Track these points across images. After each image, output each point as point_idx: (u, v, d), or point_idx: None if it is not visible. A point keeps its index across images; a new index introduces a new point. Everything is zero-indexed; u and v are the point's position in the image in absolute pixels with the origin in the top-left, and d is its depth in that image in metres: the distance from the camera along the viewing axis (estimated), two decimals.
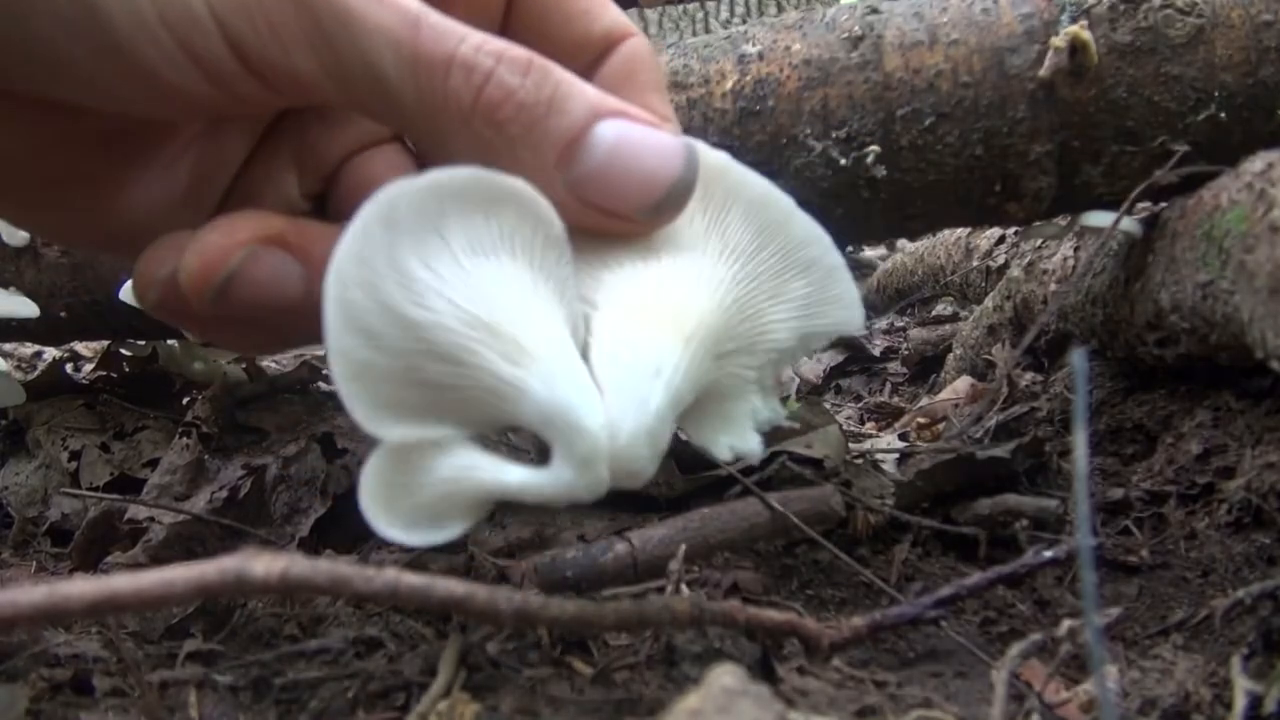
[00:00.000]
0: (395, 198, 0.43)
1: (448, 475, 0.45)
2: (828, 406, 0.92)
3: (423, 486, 0.45)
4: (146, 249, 0.49)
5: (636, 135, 0.45)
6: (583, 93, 0.45)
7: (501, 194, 0.44)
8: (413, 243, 0.43)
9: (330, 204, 0.55)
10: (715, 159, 0.50)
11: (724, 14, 3.26)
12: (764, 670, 0.56)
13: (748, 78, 0.73)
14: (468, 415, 0.45)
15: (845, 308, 0.51)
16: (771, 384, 0.51)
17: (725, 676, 0.38)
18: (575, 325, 0.46)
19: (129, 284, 0.77)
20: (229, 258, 0.46)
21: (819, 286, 0.51)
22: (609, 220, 0.46)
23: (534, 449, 0.85)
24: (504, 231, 0.45)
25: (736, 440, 0.50)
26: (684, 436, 0.50)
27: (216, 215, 0.52)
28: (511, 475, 0.44)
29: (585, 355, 0.45)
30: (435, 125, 0.45)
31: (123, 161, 0.50)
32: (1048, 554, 0.65)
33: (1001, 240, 1.31)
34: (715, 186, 0.50)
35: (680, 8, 3.30)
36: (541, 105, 0.44)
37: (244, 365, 1.03)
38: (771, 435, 0.82)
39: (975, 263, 1.37)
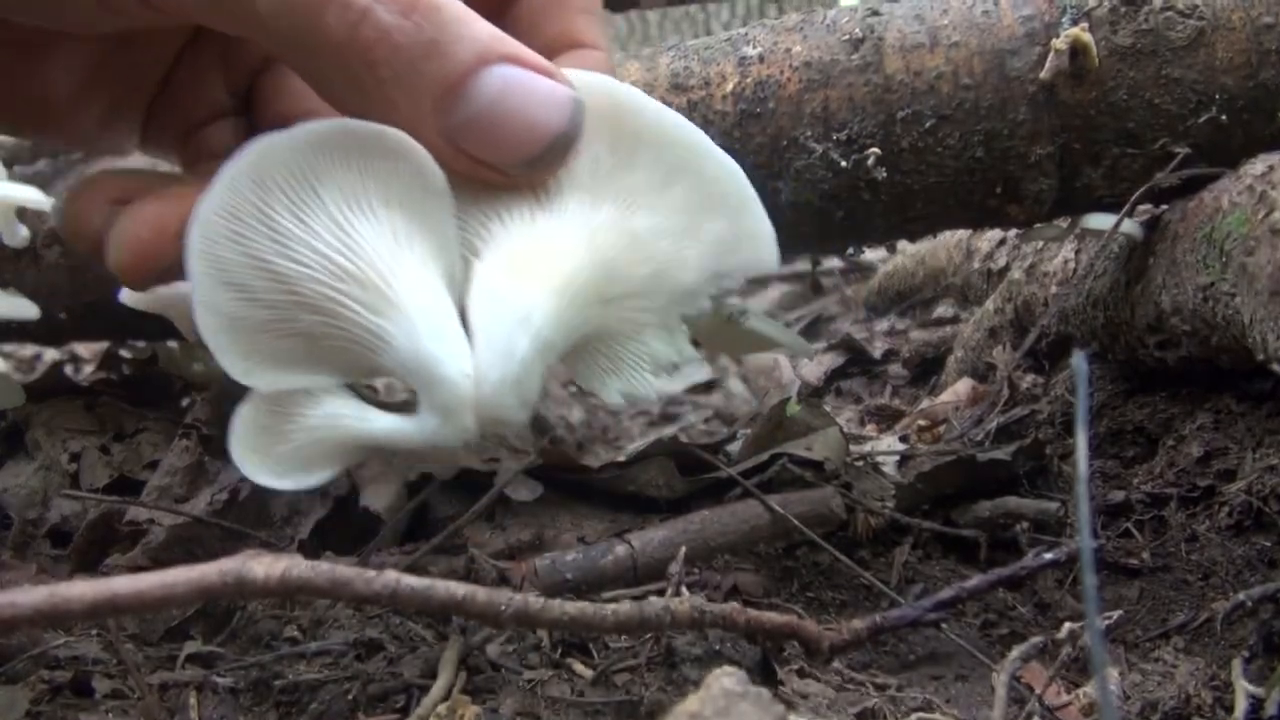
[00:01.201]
0: (265, 152, 0.43)
1: (318, 423, 0.46)
2: (828, 409, 0.91)
3: (294, 433, 0.46)
4: (70, 194, 0.50)
5: (523, 85, 0.44)
6: (472, 36, 0.43)
7: (376, 146, 0.45)
8: (284, 196, 0.44)
9: (254, 103, 0.55)
10: (627, 97, 0.49)
11: (724, 16, 3.26)
12: (764, 673, 0.56)
13: (748, 80, 0.73)
14: (338, 364, 0.46)
15: (759, 244, 0.50)
16: (677, 324, 0.50)
17: (725, 679, 0.38)
18: (455, 276, 0.46)
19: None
20: (162, 253, 0.46)
21: (733, 223, 0.50)
22: (484, 171, 0.45)
23: (532, 446, 0.85)
24: (379, 183, 0.45)
25: (628, 384, 0.50)
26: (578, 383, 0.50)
27: (150, 112, 0.55)
28: (379, 422, 0.45)
29: (463, 306, 0.45)
30: (313, 62, 0.44)
31: (47, 63, 0.50)
32: (1048, 556, 0.65)
33: (1002, 242, 1.31)
34: (625, 125, 0.49)
35: (681, 9, 3.30)
36: (420, 47, 0.42)
37: None
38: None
39: (976, 265, 1.37)
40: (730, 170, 0.50)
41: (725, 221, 0.50)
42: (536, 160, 0.45)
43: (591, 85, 0.48)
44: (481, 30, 0.44)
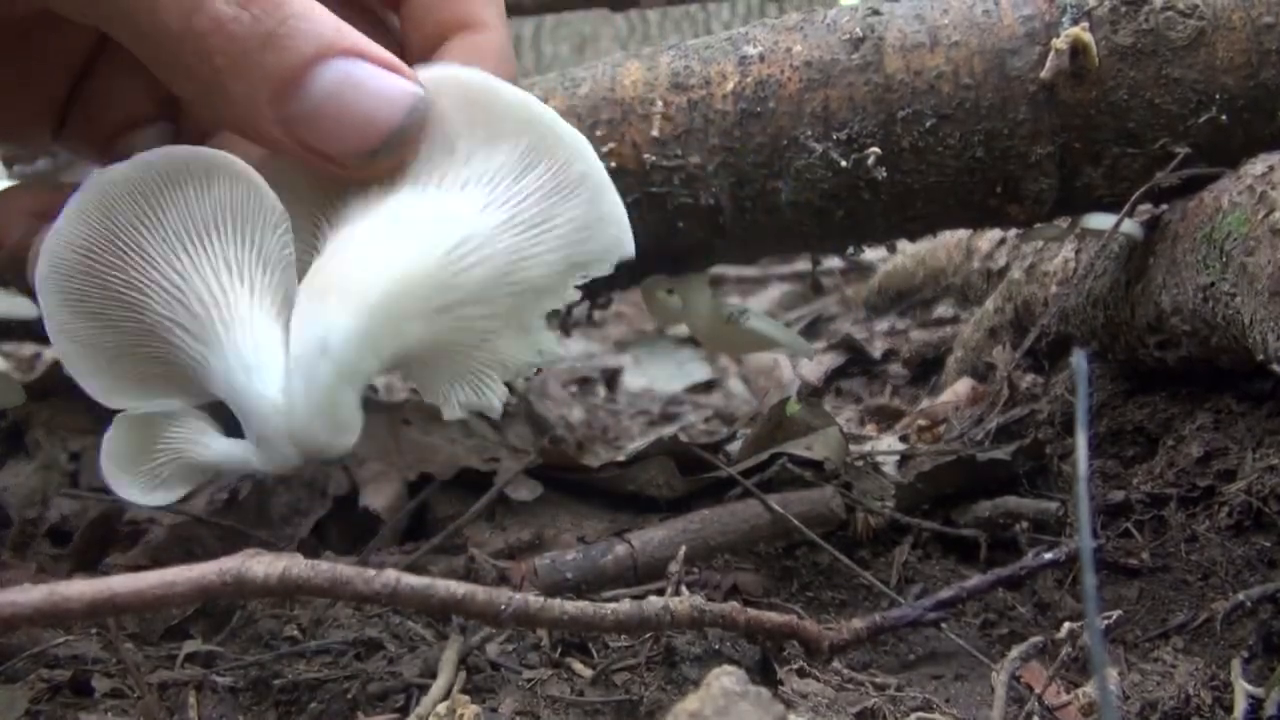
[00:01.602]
0: (108, 183, 0.45)
1: (174, 444, 0.48)
2: (828, 408, 0.91)
3: (156, 453, 0.48)
4: None
5: (361, 79, 0.44)
6: (316, 30, 0.43)
7: (214, 173, 0.46)
8: (130, 226, 0.45)
9: (182, 108, 0.55)
10: (480, 82, 0.48)
11: (725, 15, 3.27)
12: (764, 672, 0.56)
13: (749, 79, 0.73)
14: (185, 388, 0.48)
15: (615, 228, 0.49)
16: (535, 321, 0.49)
17: (725, 678, 0.38)
18: (289, 300, 0.47)
19: None
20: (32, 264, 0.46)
21: (590, 207, 0.48)
22: (322, 162, 0.45)
23: (532, 446, 0.85)
24: (218, 210, 0.46)
25: (471, 396, 0.49)
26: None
27: (67, 111, 0.55)
28: (214, 447, 0.47)
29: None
30: (152, 51, 0.44)
31: None
32: (1048, 556, 0.65)
33: (1002, 242, 1.31)
34: (479, 112, 0.48)
35: (681, 9, 3.30)
36: (256, 39, 0.42)
37: None
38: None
39: (976, 265, 1.37)
40: (584, 149, 0.49)
41: (582, 206, 0.48)
42: (374, 154, 0.45)
43: (443, 78, 0.47)
44: (323, 23, 0.44)
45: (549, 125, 0.48)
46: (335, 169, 0.46)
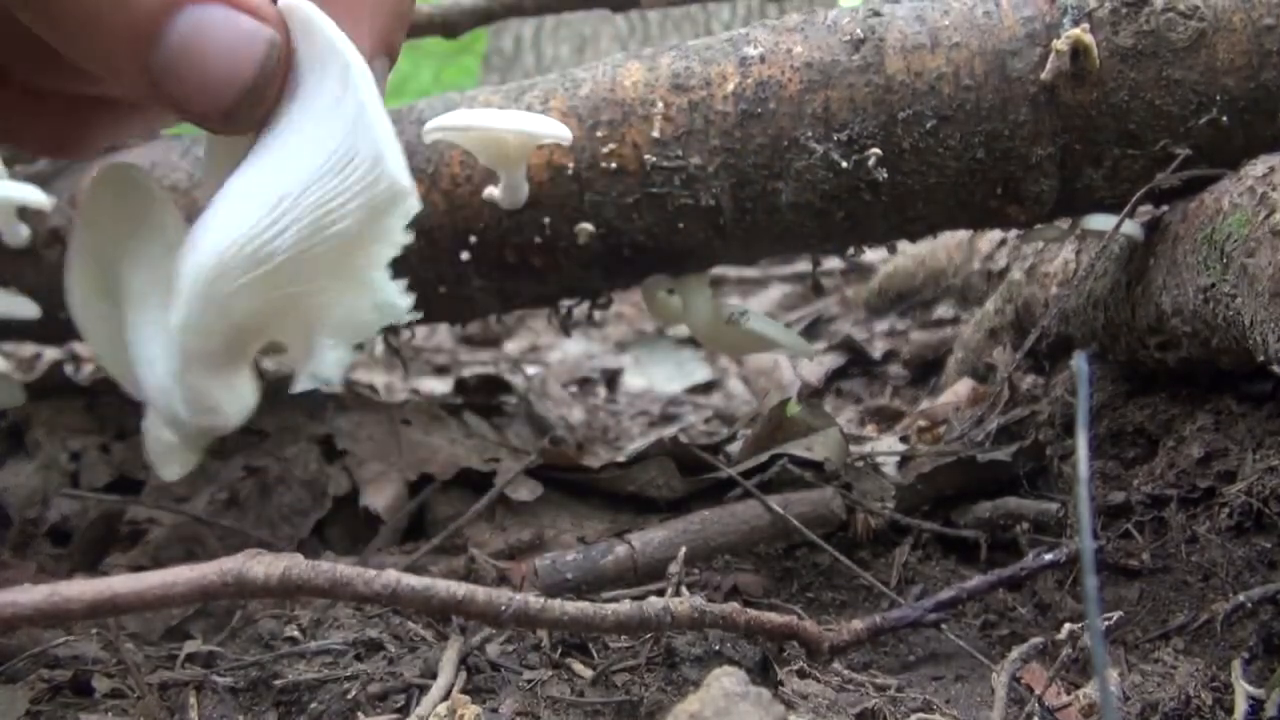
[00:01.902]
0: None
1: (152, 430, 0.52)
2: (828, 409, 0.91)
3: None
4: None
5: (215, 27, 0.40)
6: None
7: (124, 183, 0.49)
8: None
9: None
10: (306, 13, 0.42)
11: (725, 16, 3.26)
12: (764, 673, 0.56)
13: (749, 80, 0.73)
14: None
15: (394, 164, 0.42)
16: (375, 275, 0.43)
17: (725, 679, 0.38)
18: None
19: None
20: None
21: (372, 137, 0.42)
22: (193, 119, 0.42)
23: (533, 447, 0.85)
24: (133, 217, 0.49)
25: (315, 364, 0.45)
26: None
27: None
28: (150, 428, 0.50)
29: None
30: (24, 14, 0.41)
31: None
32: (1048, 557, 0.65)
33: (1003, 243, 1.30)
34: (313, 47, 0.42)
35: (681, 9, 3.30)
36: None
37: None
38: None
39: (976, 266, 1.37)
40: (367, 76, 0.42)
41: (369, 139, 0.42)
42: (233, 111, 0.41)
43: (288, 10, 0.42)
44: None
45: (346, 55, 0.42)
46: (209, 128, 0.43)
